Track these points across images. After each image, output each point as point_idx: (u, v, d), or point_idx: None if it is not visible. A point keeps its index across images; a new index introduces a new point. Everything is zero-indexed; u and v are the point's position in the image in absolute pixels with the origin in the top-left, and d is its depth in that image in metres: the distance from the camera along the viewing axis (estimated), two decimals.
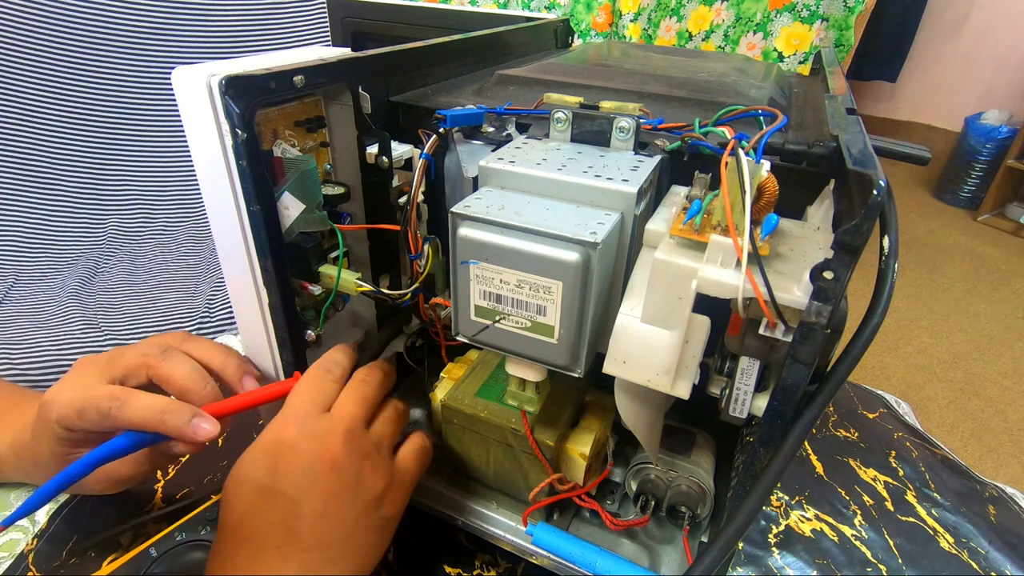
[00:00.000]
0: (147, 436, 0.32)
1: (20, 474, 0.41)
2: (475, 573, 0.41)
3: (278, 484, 0.29)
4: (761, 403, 0.25)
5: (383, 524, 0.31)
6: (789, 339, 0.22)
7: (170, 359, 0.34)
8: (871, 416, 0.60)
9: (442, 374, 0.39)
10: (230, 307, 0.37)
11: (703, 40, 1.60)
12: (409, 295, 0.34)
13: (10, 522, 0.31)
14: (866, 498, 0.50)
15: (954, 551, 0.46)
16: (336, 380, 0.33)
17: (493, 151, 0.30)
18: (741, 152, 0.22)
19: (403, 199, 0.36)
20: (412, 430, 0.36)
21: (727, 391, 0.26)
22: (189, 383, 0.33)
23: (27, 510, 0.30)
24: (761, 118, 0.32)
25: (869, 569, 0.45)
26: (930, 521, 0.49)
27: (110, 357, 0.34)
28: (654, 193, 0.30)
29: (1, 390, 0.45)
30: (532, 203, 0.27)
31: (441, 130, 0.31)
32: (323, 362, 0.34)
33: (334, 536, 0.29)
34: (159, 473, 0.47)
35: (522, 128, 0.34)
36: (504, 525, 0.38)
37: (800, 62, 1.50)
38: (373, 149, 0.35)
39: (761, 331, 0.23)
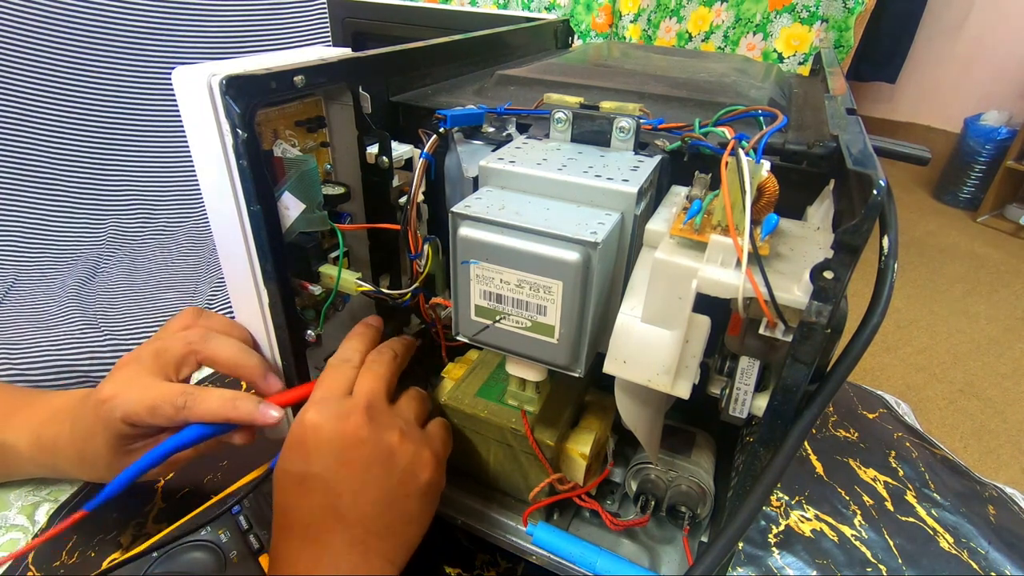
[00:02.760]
0: (214, 428, 0.34)
1: (41, 469, 0.41)
2: (475, 573, 0.41)
3: (312, 468, 0.30)
4: (761, 403, 0.25)
5: (423, 491, 0.32)
6: (789, 339, 0.22)
7: (212, 341, 0.35)
8: (871, 416, 0.60)
9: (442, 374, 0.39)
10: (230, 307, 0.37)
11: (703, 41, 1.60)
12: (409, 295, 0.34)
13: (93, 506, 0.32)
14: (866, 498, 0.50)
15: (954, 551, 0.46)
16: (355, 366, 0.34)
17: (493, 151, 0.30)
18: (741, 152, 0.22)
19: (403, 199, 0.36)
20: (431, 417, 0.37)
21: (727, 391, 0.26)
22: (238, 359, 0.34)
23: (111, 491, 0.33)
24: (761, 118, 0.32)
25: (869, 569, 0.45)
26: (930, 521, 0.49)
27: (155, 352, 0.35)
28: (654, 193, 0.30)
29: (7, 390, 0.46)
30: (532, 203, 0.27)
31: (441, 130, 0.31)
32: (341, 351, 0.35)
33: (375, 509, 0.30)
34: (159, 473, 0.47)
35: (522, 128, 0.34)
36: (504, 525, 0.38)
37: (800, 63, 1.50)
38: (373, 149, 0.35)
39: (761, 331, 0.23)
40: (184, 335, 0.36)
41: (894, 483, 0.52)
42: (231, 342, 0.35)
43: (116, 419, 0.34)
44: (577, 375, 0.28)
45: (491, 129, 0.34)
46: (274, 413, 0.33)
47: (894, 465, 0.54)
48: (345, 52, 0.34)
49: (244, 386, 0.38)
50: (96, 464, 0.37)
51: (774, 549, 0.45)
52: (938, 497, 0.51)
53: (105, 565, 0.39)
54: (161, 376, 0.34)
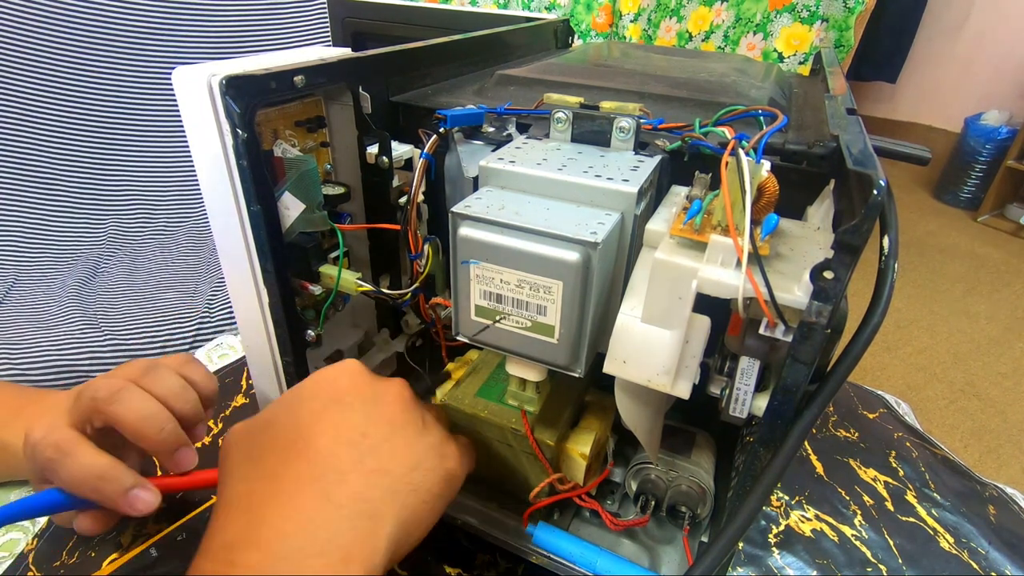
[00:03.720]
0: (70, 500, 0.29)
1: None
2: (475, 573, 0.41)
3: (346, 399, 0.27)
4: (761, 403, 0.25)
5: (447, 476, 0.29)
6: (789, 339, 0.22)
7: (123, 400, 0.31)
8: (871, 416, 0.60)
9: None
10: (230, 307, 0.36)
11: (703, 41, 1.60)
12: (409, 295, 0.34)
13: None
14: (866, 498, 0.50)
15: (954, 551, 0.46)
16: None
17: (493, 151, 0.30)
18: (741, 152, 0.22)
19: (403, 199, 0.36)
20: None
21: (727, 391, 0.26)
22: (142, 426, 0.31)
23: None
24: (761, 118, 0.32)
25: (869, 569, 0.45)
26: (930, 521, 0.49)
27: (76, 397, 0.31)
28: (654, 193, 0.30)
29: (12, 389, 0.45)
30: (532, 203, 0.27)
31: (441, 130, 0.31)
32: None
33: (398, 465, 0.27)
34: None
35: (522, 128, 0.34)
36: (504, 525, 0.38)
37: (800, 63, 1.50)
38: (373, 149, 0.35)
39: (761, 331, 0.23)
40: (98, 385, 0.32)
41: (894, 483, 0.52)
42: (145, 406, 0.31)
43: (27, 455, 0.31)
44: (577, 375, 0.28)
45: (491, 129, 0.34)
46: (146, 499, 0.29)
47: (894, 465, 0.54)
48: (345, 52, 0.34)
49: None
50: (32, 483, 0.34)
51: (774, 549, 0.45)
52: (938, 497, 0.51)
53: (105, 565, 0.39)
54: (70, 420, 0.31)
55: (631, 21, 1.58)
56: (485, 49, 0.48)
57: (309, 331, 0.36)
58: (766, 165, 0.23)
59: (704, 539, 0.37)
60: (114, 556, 0.40)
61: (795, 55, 1.50)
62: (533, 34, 0.55)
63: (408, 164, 0.36)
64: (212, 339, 0.68)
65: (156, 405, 0.32)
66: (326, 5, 0.63)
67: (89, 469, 0.29)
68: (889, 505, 0.50)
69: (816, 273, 0.20)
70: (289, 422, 0.27)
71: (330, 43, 0.61)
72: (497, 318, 0.28)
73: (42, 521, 0.43)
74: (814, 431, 0.56)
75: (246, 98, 0.27)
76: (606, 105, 0.31)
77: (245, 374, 0.59)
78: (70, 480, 0.29)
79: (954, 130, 2.63)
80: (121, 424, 0.31)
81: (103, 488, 0.29)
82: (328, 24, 0.76)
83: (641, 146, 0.30)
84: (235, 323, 0.36)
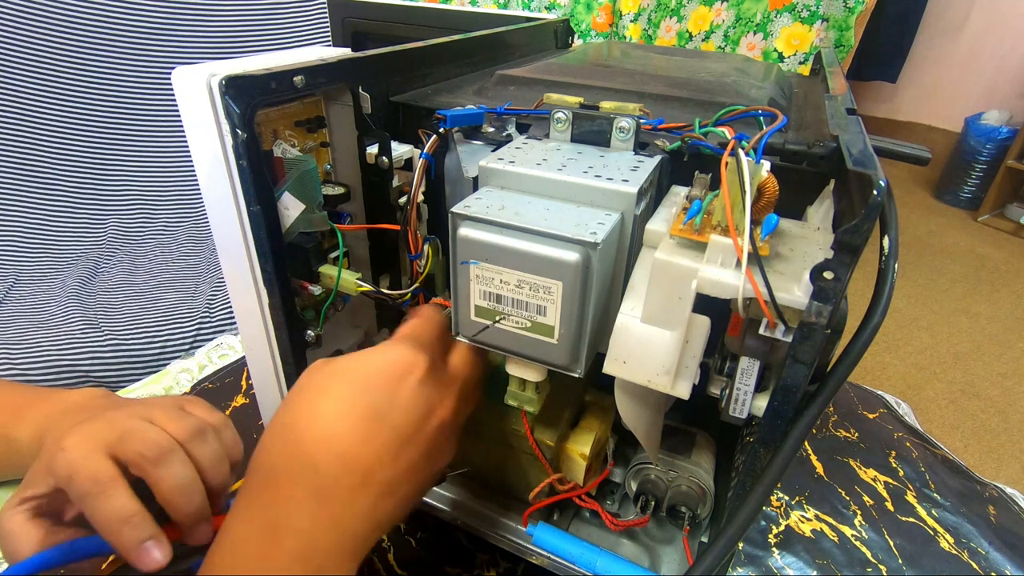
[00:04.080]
0: (99, 546, 0.30)
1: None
2: (475, 573, 0.41)
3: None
4: (761, 403, 0.25)
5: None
6: (789, 339, 0.22)
7: (162, 466, 0.31)
8: (871, 416, 0.60)
9: None
10: (230, 307, 0.36)
11: (703, 40, 1.60)
12: (409, 295, 0.34)
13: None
14: (866, 498, 0.50)
15: (954, 551, 0.46)
16: None
17: (493, 151, 0.30)
18: (741, 152, 0.22)
19: (403, 199, 0.36)
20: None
21: (727, 391, 0.26)
22: (176, 496, 0.31)
23: None
24: (761, 118, 0.32)
25: (869, 569, 0.45)
26: (930, 521, 0.49)
27: (120, 438, 0.32)
28: (654, 193, 0.30)
29: (19, 387, 0.45)
30: (532, 203, 0.27)
31: (441, 130, 0.31)
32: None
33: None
34: None
35: (522, 128, 0.34)
36: (504, 525, 0.38)
37: (800, 62, 1.50)
38: (373, 149, 0.35)
39: (761, 331, 0.23)
40: (147, 440, 0.31)
41: (894, 483, 0.52)
42: (186, 475, 0.31)
43: (54, 467, 0.31)
44: (577, 375, 0.28)
45: (491, 129, 0.33)
46: (156, 557, 0.29)
47: (894, 465, 0.54)
48: (345, 52, 0.34)
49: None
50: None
51: (774, 549, 0.45)
52: (938, 497, 0.51)
53: (105, 565, 0.39)
54: (105, 449, 0.31)
55: (631, 21, 1.58)
56: (485, 49, 0.48)
57: (309, 331, 0.36)
58: (766, 165, 0.23)
59: (704, 539, 0.37)
60: (114, 556, 0.40)
61: (795, 55, 1.50)
62: (533, 34, 0.55)
63: (408, 164, 0.36)
64: (212, 339, 0.68)
65: (193, 476, 0.32)
66: (326, 5, 0.63)
67: (119, 512, 0.30)
68: (889, 505, 0.50)
69: (816, 273, 0.20)
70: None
71: (330, 43, 0.61)
72: (497, 318, 0.28)
73: None
74: (814, 431, 0.56)
75: (246, 98, 0.27)
76: (606, 105, 0.31)
77: (245, 374, 0.59)
78: (97, 517, 0.30)
79: (954, 130, 2.63)
80: (157, 489, 0.31)
81: (124, 533, 0.29)
82: (328, 24, 0.76)
83: (641, 146, 0.30)
84: (235, 323, 0.36)
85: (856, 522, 0.48)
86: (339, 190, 0.35)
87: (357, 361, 0.28)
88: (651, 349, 0.25)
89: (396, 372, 0.27)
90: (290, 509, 0.25)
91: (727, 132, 0.26)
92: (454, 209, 0.26)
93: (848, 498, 0.50)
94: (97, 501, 0.29)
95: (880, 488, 0.51)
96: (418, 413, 0.27)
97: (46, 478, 0.32)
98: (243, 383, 0.58)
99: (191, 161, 0.30)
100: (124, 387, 0.58)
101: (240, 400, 0.56)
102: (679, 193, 0.29)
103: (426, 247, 0.32)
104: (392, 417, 0.26)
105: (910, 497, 0.51)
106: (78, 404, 0.40)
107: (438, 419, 0.28)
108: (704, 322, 0.24)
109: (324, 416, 0.26)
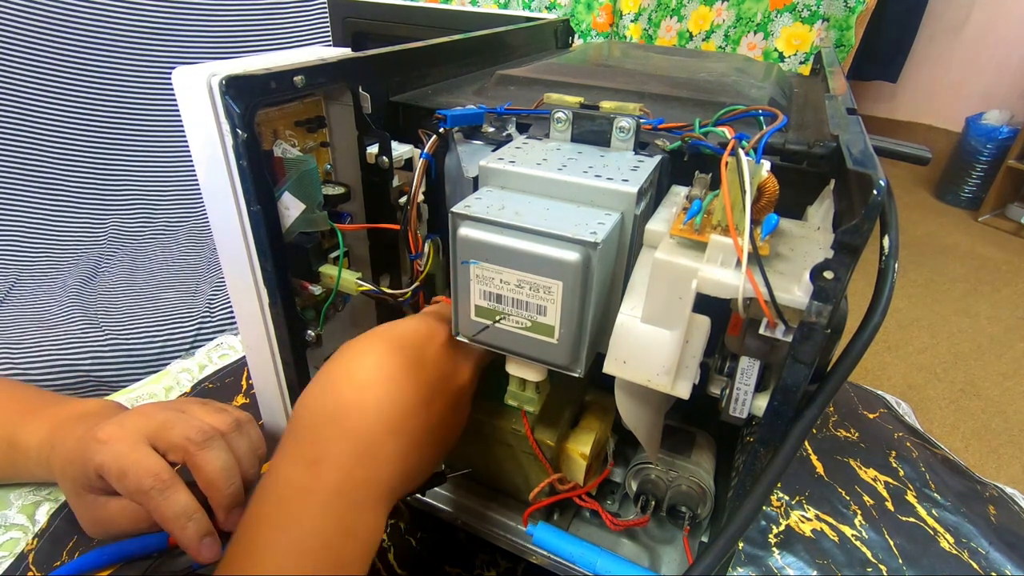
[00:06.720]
0: (160, 542, 0.32)
1: (45, 473, 0.41)
2: (475, 573, 0.41)
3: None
4: (761, 403, 0.25)
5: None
6: (789, 339, 0.22)
7: (209, 449, 0.33)
8: (871, 416, 0.60)
9: None
10: (230, 307, 0.37)
11: (704, 40, 1.60)
12: (409, 295, 0.34)
13: None
14: (866, 498, 0.50)
15: (954, 551, 0.46)
16: None
17: (493, 151, 0.30)
18: (741, 152, 0.22)
19: (403, 199, 0.36)
20: None
21: (727, 391, 0.26)
22: (217, 480, 0.33)
23: None
24: (761, 118, 0.32)
25: (869, 569, 0.45)
26: (930, 521, 0.49)
27: (162, 425, 0.34)
28: (654, 193, 0.30)
29: (29, 390, 0.45)
30: (532, 203, 0.27)
31: (441, 130, 0.31)
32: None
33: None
34: None
35: (522, 128, 0.34)
36: (504, 525, 0.38)
37: (801, 62, 1.50)
38: (373, 149, 0.35)
39: (761, 331, 0.23)
40: (192, 427, 0.34)
41: (894, 483, 0.52)
42: (223, 460, 0.33)
43: (92, 464, 0.33)
44: (577, 375, 0.28)
45: (491, 129, 0.33)
46: (215, 550, 0.31)
47: (894, 465, 0.54)
48: (345, 52, 0.34)
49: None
50: (63, 487, 0.36)
51: (774, 549, 0.45)
52: (939, 497, 0.51)
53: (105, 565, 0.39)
54: (146, 440, 0.33)
55: (632, 21, 1.58)
56: (485, 49, 0.48)
57: (309, 331, 0.36)
58: (766, 165, 0.23)
59: (704, 539, 0.37)
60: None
61: (796, 55, 1.50)
62: (533, 34, 0.55)
63: (408, 164, 0.36)
64: (212, 339, 0.68)
65: (234, 461, 0.34)
66: (326, 5, 0.63)
67: (184, 508, 0.31)
68: (889, 505, 0.50)
69: (816, 273, 0.20)
70: None
71: (330, 43, 0.61)
72: (497, 318, 0.28)
73: (42, 521, 0.43)
74: (814, 431, 0.56)
75: (246, 98, 0.27)
76: (606, 105, 0.31)
77: (245, 374, 0.59)
78: (163, 513, 0.31)
79: (955, 130, 2.63)
80: (201, 472, 0.33)
81: (189, 528, 0.31)
82: (328, 24, 0.76)
83: (641, 146, 0.30)
84: (235, 323, 0.36)
85: (856, 522, 0.48)
86: (339, 190, 0.35)
87: (389, 326, 0.30)
88: (651, 349, 0.25)
89: (424, 334, 0.30)
90: (330, 447, 0.26)
91: (727, 132, 0.26)
92: (454, 209, 0.26)
93: (848, 498, 0.50)
94: (163, 497, 0.31)
95: (880, 488, 0.51)
96: (443, 371, 0.29)
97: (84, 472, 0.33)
98: (243, 383, 0.58)
99: (192, 161, 0.30)
100: (124, 387, 0.58)
101: (240, 400, 0.56)
102: (679, 193, 0.29)
103: (426, 247, 0.32)
104: (422, 373, 0.28)
105: (910, 497, 0.51)
106: (92, 411, 0.40)
107: (460, 379, 0.31)
108: (704, 322, 0.24)
109: (362, 370, 0.27)
